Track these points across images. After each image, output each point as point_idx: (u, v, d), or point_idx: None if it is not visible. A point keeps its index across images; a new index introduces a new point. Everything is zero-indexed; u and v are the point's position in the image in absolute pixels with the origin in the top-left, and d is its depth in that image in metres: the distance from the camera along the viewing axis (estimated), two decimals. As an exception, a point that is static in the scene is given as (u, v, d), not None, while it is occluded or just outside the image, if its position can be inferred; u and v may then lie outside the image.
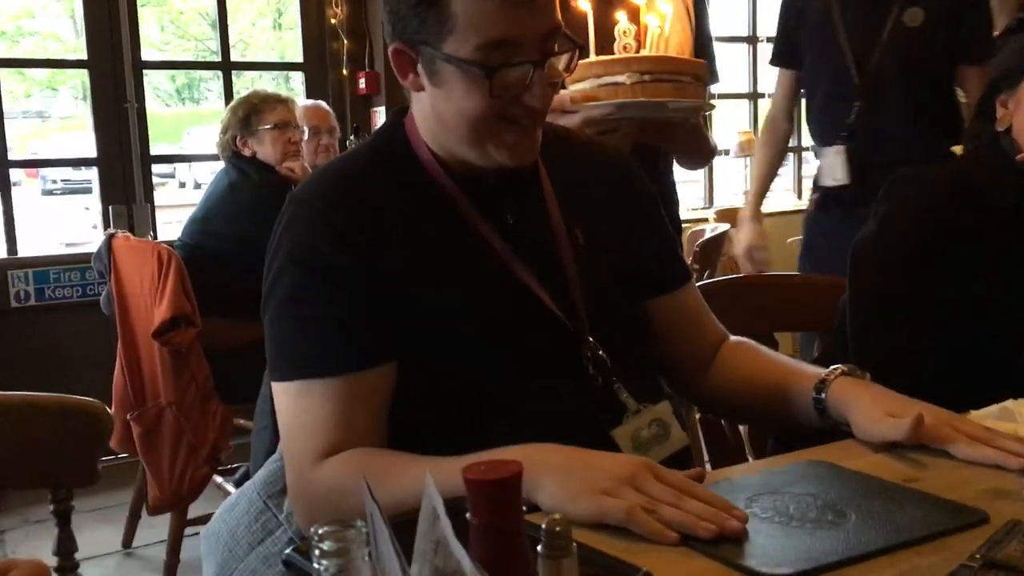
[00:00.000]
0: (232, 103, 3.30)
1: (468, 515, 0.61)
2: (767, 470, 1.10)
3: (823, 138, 2.59)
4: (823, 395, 1.22)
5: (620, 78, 1.60)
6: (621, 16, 1.68)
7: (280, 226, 1.22)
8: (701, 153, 2.12)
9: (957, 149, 2.59)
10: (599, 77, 1.63)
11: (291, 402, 1.17)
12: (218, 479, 3.01)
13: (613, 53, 1.67)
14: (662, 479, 0.96)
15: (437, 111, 1.20)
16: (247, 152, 3.19)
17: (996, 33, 2.93)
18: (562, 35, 1.18)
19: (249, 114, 3.17)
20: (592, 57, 1.64)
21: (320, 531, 0.57)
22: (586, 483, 0.96)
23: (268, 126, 3.18)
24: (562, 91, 1.60)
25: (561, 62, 1.21)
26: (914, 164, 1.61)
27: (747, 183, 2.74)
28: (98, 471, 1.29)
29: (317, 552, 0.56)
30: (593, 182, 1.36)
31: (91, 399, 1.29)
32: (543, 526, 0.71)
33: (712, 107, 2.06)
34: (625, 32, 1.67)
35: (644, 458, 1.03)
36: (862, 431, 1.16)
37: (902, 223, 1.55)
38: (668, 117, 1.72)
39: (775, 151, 2.83)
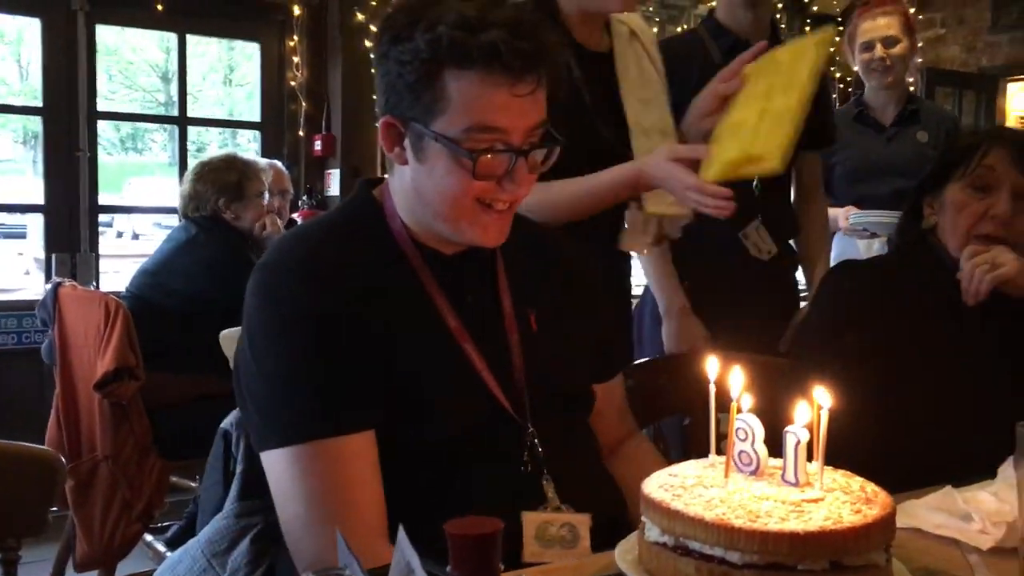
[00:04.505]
0: (212, 162, 3.19)
1: (448, 568, 0.64)
2: None
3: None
4: None
5: (727, 555, 0.92)
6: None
7: (256, 294, 1.22)
8: None
9: None
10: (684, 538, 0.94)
11: (301, 467, 1.15)
12: (148, 537, 2.94)
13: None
14: None
15: (417, 185, 1.23)
16: (228, 215, 3.13)
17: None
18: (547, 129, 1.22)
19: (241, 180, 3.13)
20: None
21: (310, 578, 0.60)
22: None
23: (257, 194, 3.16)
24: None
25: (541, 155, 1.24)
26: None
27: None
28: (48, 520, 1.28)
29: (306, 599, 0.59)
30: (548, 269, 1.40)
31: (45, 447, 1.28)
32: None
33: None
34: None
35: None
36: None
37: (836, 313, 1.64)
38: None
39: None
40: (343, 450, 1.15)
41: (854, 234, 3.02)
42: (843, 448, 1.51)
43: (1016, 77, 6.47)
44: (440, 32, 1.14)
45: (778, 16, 3.74)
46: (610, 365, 1.48)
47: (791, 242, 2.51)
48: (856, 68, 3.21)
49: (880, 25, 3.04)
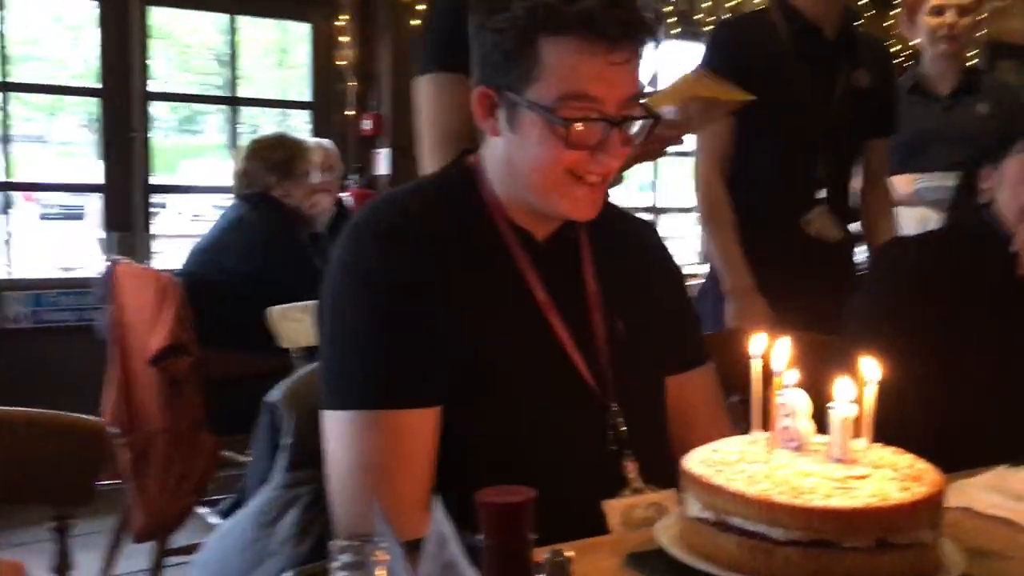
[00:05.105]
0: (263, 141, 3.22)
1: (481, 536, 0.64)
2: None
3: (779, 195, 2.36)
4: None
5: (769, 531, 0.91)
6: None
7: (339, 254, 1.22)
8: None
9: None
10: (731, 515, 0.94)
11: (355, 434, 1.15)
12: (201, 510, 2.99)
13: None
14: None
15: (509, 156, 1.22)
16: (278, 193, 3.14)
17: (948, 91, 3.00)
18: (642, 102, 1.20)
19: (290, 158, 3.15)
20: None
21: (339, 544, 0.60)
22: None
23: (305, 172, 3.18)
24: None
25: (636, 129, 1.21)
26: None
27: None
28: (94, 490, 1.29)
29: (335, 563, 0.59)
30: (629, 254, 1.38)
31: (91, 417, 1.29)
32: (545, 556, 0.74)
33: None
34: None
35: None
36: None
37: (890, 289, 1.60)
38: None
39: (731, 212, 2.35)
40: (401, 424, 1.15)
41: (918, 203, 2.92)
42: (896, 426, 1.48)
43: (1083, 49, 6.25)
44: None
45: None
46: (686, 356, 1.42)
47: (853, 225, 2.47)
48: (917, 37, 3.09)
49: None
